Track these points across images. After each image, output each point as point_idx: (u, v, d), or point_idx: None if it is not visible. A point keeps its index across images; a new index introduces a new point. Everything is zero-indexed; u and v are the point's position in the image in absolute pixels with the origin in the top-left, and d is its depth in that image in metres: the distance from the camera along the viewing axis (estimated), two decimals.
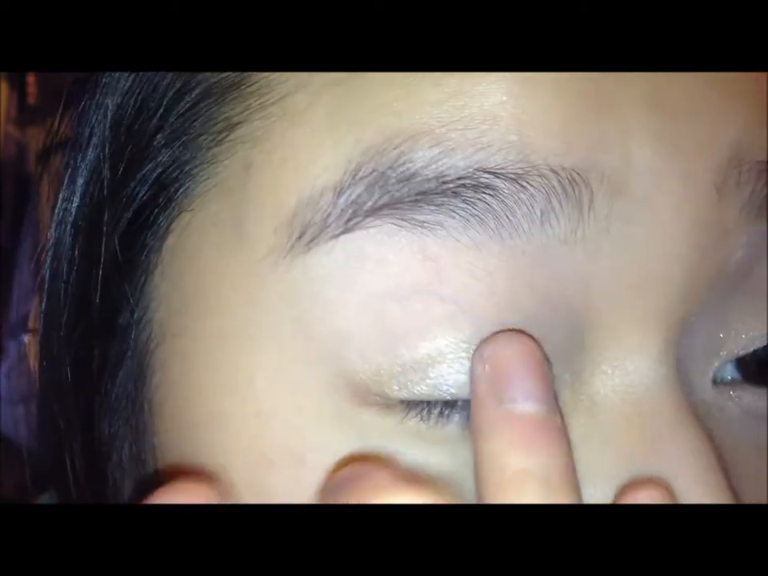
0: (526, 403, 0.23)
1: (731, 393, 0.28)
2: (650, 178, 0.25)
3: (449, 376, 0.25)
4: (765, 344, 0.28)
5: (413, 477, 0.22)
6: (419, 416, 0.25)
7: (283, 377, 0.26)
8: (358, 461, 0.24)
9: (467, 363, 0.25)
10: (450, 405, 0.25)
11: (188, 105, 0.27)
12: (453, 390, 0.25)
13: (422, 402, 0.25)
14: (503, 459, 0.22)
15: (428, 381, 0.25)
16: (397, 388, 0.25)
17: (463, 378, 0.25)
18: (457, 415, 0.25)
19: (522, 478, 0.22)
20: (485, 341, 0.24)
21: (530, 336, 0.25)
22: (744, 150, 0.26)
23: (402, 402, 0.25)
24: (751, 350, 0.27)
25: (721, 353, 0.27)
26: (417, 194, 0.24)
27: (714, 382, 0.27)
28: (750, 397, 0.28)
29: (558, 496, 0.22)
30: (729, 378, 0.28)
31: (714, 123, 0.26)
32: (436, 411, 0.25)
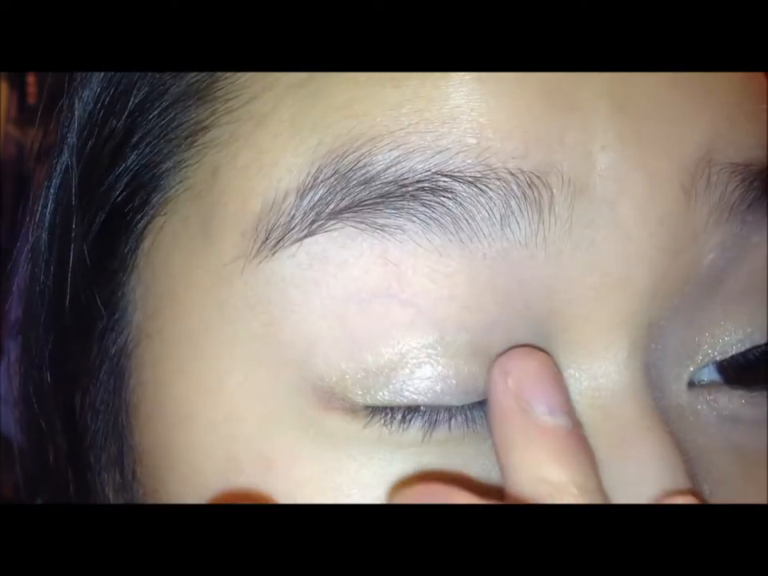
0: (556, 416, 0.23)
1: (707, 396, 0.27)
2: (613, 179, 0.25)
3: (411, 381, 0.25)
4: (743, 348, 0.27)
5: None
6: (382, 421, 0.25)
7: (252, 381, 0.26)
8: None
9: (429, 368, 0.25)
10: (412, 410, 0.25)
11: (158, 109, 0.28)
12: (414, 396, 0.25)
13: (385, 407, 0.25)
14: (542, 471, 0.23)
15: (390, 386, 0.25)
16: (360, 393, 0.25)
17: (425, 383, 0.25)
18: (419, 420, 0.25)
19: (563, 489, 0.22)
20: (502, 356, 0.24)
21: (546, 352, 0.25)
22: (714, 151, 0.26)
23: (366, 407, 0.25)
24: (729, 354, 0.27)
25: (696, 357, 0.27)
26: (377, 197, 0.24)
27: (691, 384, 0.27)
28: (726, 399, 0.27)
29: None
30: (705, 380, 0.27)
31: (679, 124, 0.25)
32: (399, 416, 0.25)
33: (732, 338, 0.27)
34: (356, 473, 0.25)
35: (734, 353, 0.27)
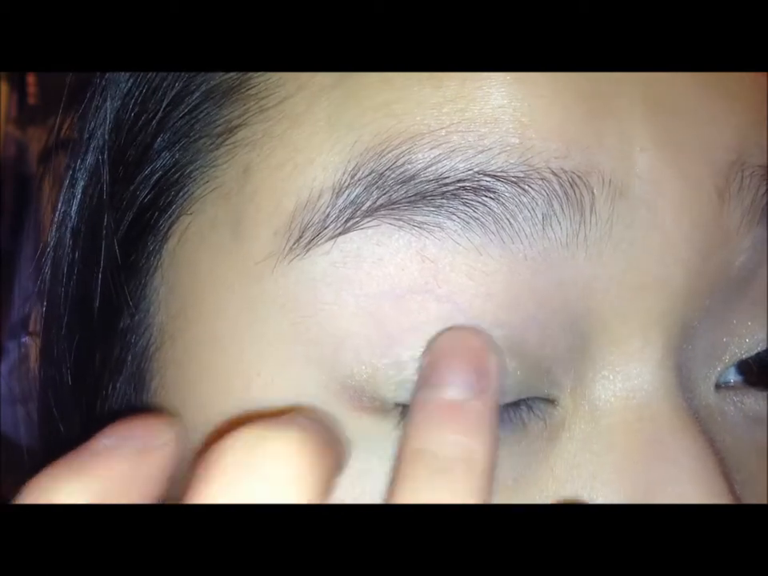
0: (447, 388, 0.23)
1: (734, 397, 0.27)
2: (651, 180, 0.25)
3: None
4: (767, 348, 0.27)
5: None
6: None
7: (280, 381, 0.25)
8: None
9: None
10: None
11: (188, 108, 0.27)
12: None
13: None
14: (408, 441, 0.22)
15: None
16: (392, 389, 0.25)
17: None
18: None
19: (416, 457, 0.22)
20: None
21: (476, 329, 0.24)
22: (745, 154, 0.26)
23: (397, 405, 0.25)
24: (754, 353, 0.27)
25: (723, 357, 0.27)
26: (415, 195, 0.24)
27: (717, 386, 0.27)
28: (753, 401, 0.28)
29: (451, 479, 0.21)
30: (731, 381, 0.28)
31: (714, 125, 0.26)
32: None
33: (758, 338, 0.27)
34: (387, 477, 0.24)
35: (758, 351, 0.27)
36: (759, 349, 0.27)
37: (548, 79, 0.24)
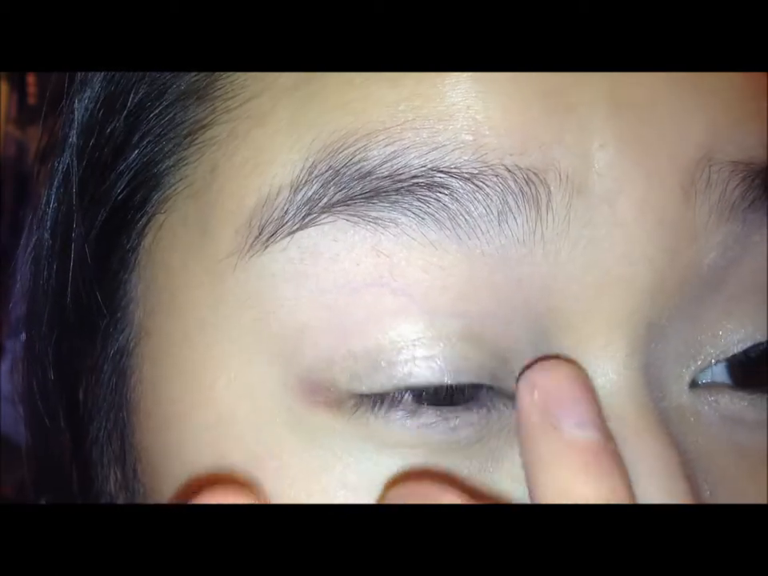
0: (585, 430, 0.22)
1: (708, 397, 0.27)
2: (611, 178, 0.25)
3: (398, 366, 0.24)
4: (744, 348, 0.27)
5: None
6: (370, 410, 0.25)
7: (241, 379, 0.26)
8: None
9: (419, 354, 0.24)
10: (400, 394, 0.25)
11: (158, 108, 0.28)
12: (402, 383, 0.24)
13: (371, 394, 0.25)
14: (570, 488, 0.21)
15: (377, 371, 0.25)
16: (347, 379, 0.25)
17: (416, 369, 0.24)
18: (405, 407, 0.25)
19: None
20: (529, 367, 0.24)
21: (575, 362, 0.24)
22: (714, 150, 0.26)
23: (351, 396, 0.25)
24: (730, 354, 0.27)
25: (698, 357, 0.27)
26: (371, 191, 0.24)
27: (693, 385, 0.27)
28: (728, 401, 0.27)
29: None
30: (708, 381, 0.27)
31: (679, 123, 0.25)
32: (386, 403, 0.25)
33: (734, 337, 0.27)
34: (341, 473, 0.25)
35: (735, 352, 0.27)
36: (736, 350, 0.27)
37: (504, 78, 0.24)
